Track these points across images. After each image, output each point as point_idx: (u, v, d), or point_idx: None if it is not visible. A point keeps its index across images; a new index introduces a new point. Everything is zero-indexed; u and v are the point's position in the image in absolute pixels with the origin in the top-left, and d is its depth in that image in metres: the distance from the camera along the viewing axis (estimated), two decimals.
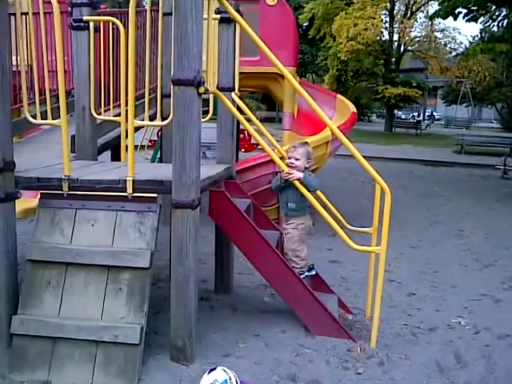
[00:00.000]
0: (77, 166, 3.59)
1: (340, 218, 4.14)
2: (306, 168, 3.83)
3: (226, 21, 3.94)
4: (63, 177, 3.19)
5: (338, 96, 9.15)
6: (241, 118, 3.85)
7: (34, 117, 3.66)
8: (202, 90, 3.00)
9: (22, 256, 3.41)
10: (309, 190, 3.67)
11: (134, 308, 3.00)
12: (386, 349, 3.54)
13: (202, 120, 3.23)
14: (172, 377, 3.01)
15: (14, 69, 3.34)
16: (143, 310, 3.00)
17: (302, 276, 3.77)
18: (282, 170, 3.75)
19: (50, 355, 2.99)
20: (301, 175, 3.70)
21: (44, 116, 3.64)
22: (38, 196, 6.47)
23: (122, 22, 4.03)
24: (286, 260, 3.76)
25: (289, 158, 3.85)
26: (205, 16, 3.10)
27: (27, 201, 6.06)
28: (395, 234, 6.54)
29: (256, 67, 7.34)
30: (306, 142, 4.08)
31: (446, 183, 12.29)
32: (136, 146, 7.17)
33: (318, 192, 4.16)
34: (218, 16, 3.89)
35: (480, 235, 7.27)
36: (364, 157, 3.46)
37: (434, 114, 43.10)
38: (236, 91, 4.25)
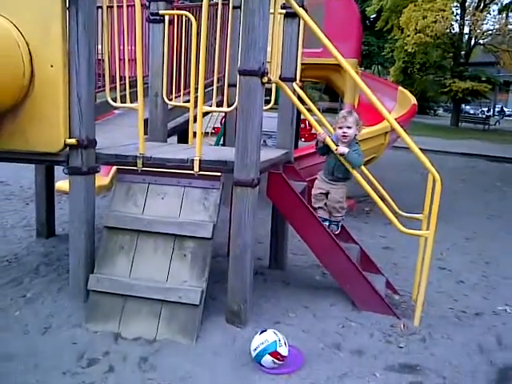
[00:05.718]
0: (149, 146, 3.97)
1: (392, 203, 4.32)
2: (355, 135, 3.92)
3: (290, 15, 4.18)
4: (138, 154, 3.58)
5: (400, 88, 9.24)
6: (301, 106, 4.07)
7: (114, 100, 4.06)
8: (265, 79, 3.30)
9: (96, 226, 3.83)
10: (353, 167, 3.86)
11: (196, 273, 3.35)
12: (429, 328, 3.69)
13: (264, 108, 3.51)
14: (227, 337, 3.33)
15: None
16: (204, 275, 3.34)
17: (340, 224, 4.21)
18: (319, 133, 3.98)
19: (120, 310, 3.38)
20: (345, 151, 3.80)
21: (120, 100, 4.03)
22: (110, 175, 7.03)
23: (194, 15, 4.37)
24: (330, 214, 4.14)
25: (340, 128, 3.87)
26: (271, 11, 3.37)
27: (100, 179, 6.58)
28: (450, 225, 6.66)
29: (318, 58, 7.56)
30: (351, 110, 4.13)
31: (509, 179, 11.99)
32: None
33: (372, 178, 4.37)
34: (284, 11, 4.14)
35: None
36: (426, 150, 3.59)
37: (505, 109, 41.36)
38: (297, 81, 4.49)
